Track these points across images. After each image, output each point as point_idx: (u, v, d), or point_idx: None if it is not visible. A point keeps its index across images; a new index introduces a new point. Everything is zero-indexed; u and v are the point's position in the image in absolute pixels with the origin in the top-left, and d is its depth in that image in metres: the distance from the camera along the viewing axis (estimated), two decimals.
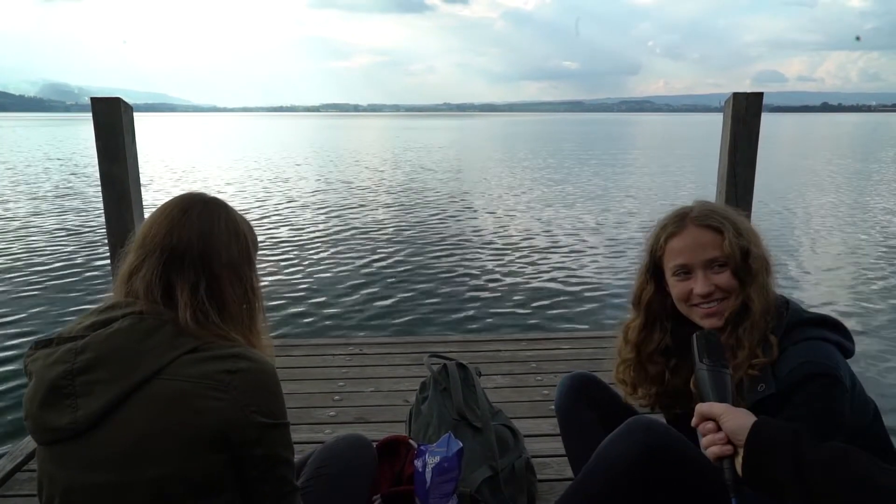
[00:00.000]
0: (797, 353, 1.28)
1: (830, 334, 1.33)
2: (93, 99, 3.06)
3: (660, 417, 1.56)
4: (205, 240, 1.18)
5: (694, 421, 1.14)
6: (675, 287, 1.44)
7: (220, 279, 1.17)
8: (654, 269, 1.50)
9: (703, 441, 1.11)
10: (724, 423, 1.08)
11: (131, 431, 1.06)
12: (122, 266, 1.20)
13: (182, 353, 1.09)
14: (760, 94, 3.20)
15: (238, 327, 1.19)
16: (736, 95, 3.17)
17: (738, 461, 1.06)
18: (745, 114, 3.16)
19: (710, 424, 1.10)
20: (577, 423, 1.70)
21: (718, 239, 1.38)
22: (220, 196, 1.29)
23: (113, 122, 3.01)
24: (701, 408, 1.13)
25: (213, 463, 1.08)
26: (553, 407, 2.64)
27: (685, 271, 1.41)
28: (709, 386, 1.16)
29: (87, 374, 1.08)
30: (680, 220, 1.44)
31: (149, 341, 1.09)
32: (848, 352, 1.33)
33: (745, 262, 1.36)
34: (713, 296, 1.38)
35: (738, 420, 1.07)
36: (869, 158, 26.71)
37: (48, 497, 1.13)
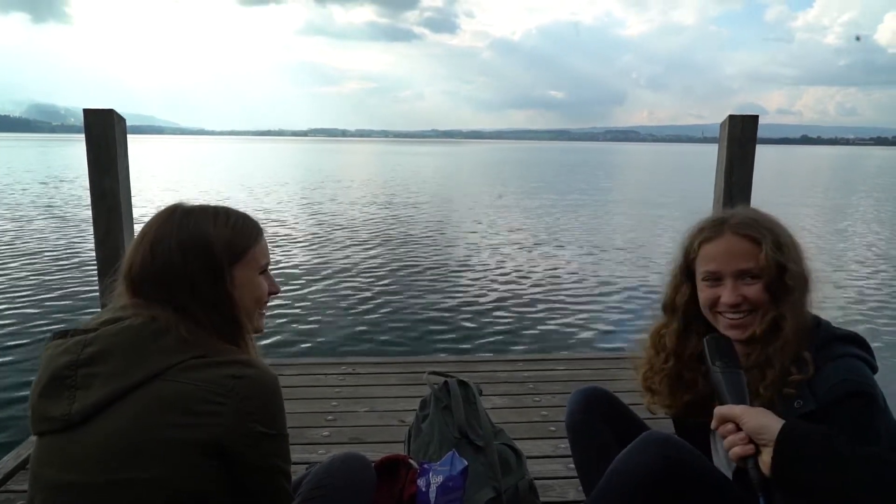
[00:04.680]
0: (836, 371, 1.24)
1: (860, 351, 1.29)
2: (86, 110, 3.01)
3: (670, 429, 1.52)
4: (157, 261, 1.13)
5: (713, 423, 1.15)
6: (703, 292, 1.40)
7: (184, 300, 1.12)
8: (688, 271, 1.46)
9: (725, 442, 1.11)
10: (744, 423, 1.09)
11: (122, 430, 1.02)
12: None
13: (189, 357, 1.06)
14: (755, 118, 3.23)
15: (224, 339, 1.14)
16: (732, 118, 3.19)
17: (763, 460, 1.06)
18: (740, 136, 3.18)
19: (730, 426, 1.12)
20: (589, 439, 1.65)
21: (755, 250, 1.33)
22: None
23: (105, 133, 2.96)
24: (720, 410, 1.14)
25: (205, 471, 1.03)
26: (553, 428, 2.64)
27: (715, 278, 1.37)
28: (724, 388, 1.19)
29: (90, 366, 1.05)
30: (718, 226, 1.39)
31: (157, 342, 1.07)
32: (874, 369, 1.30)
33: (781, 278, 1.32)
34: (740, 307, 1.34)
35: (758, 419, 1.08)
36: (856, 188, 27.38)
37: (31, 495, 1.07)
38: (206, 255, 1.14)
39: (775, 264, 1.31)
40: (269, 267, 1.31)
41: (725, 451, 1.47)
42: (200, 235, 1.15)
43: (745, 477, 1.34)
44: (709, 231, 1.40)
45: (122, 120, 3.04)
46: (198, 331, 1.10)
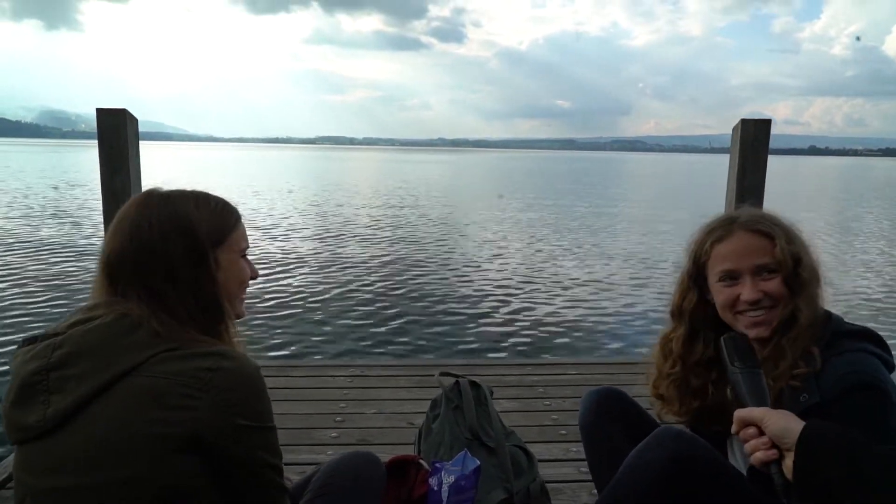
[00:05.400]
0: (842, 364, 1.22)
1: (873, 347, 1.27)
2: (98, 110, 3.01)
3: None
4: (136, 247, 1.10)
5: (734, 428, 1.11)
6: (721, 294, 1.38)
7: (162, 286, 1.09)
8: (697, 276, 1.44)
9: (747, 447, 1.07)
10: (767, 427, 1.05)
11: (99, 430, 0.99)
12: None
13: (161, 350, 1.02)
14: (768, 121, 3.19)
15: (201, 331, 1.11)
16: (744, 122, 3.16)
17: (786, 465, 1.02)
18: (753, 140, 3.15)
19: (751, 430, 1.07)
20: (603, 440, 1.62)
21: (769, 245, 1.33)
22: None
23: (117, 133, 2.96)
24: (740, 413, 1.10)
25: (187, 466, 1.00)
26: (564, 432, 2.61)
27: (732, 277, 1.36)
28: (745, 389, 1.15)
29: (62, 369, 1.02)
30: (728, 225, 1.38)
31: (127, 338, 1.03)
32: (890, 367, 1.28)
33: (796, 271, 1.31)
34: (761, 303, 1.32)
35: (781, 422, 1.04)
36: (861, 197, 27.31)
37: (19, 500, 1.04)
38: (189, 238, 1.11)
39: (791, 257, 1.31)
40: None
41: (744, 456, 1.45)
42: (182, 218, 1.12)
43: (759, 475, 1.32)
44: (720, 231, 1.39)
45: (134, 120, 3.05)
46: (171, 322, 1.06)
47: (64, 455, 0.99)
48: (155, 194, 1.16)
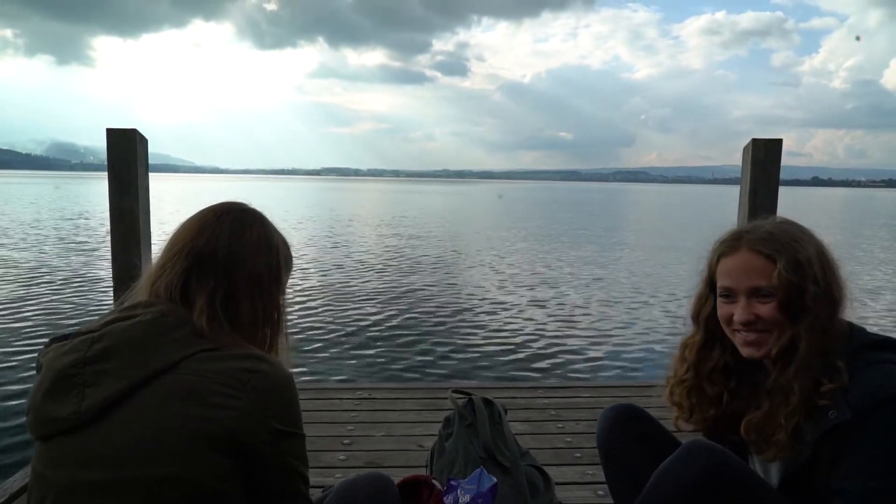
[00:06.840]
0: (871, 377, 1.17)
1: None
2: (108, 130, 3.01)
3: None
4: (232, 247, 1.13)
5: None
6: (720, 308, 1.36)
7: (239, 290, 1.12)
8: (712, 283, 1.41)
9: None
10: None
11: (135, 426, 0.98)
12: (150, 267, 1.17)
13: (200, 349, 1.03)
14: (779, 141, 3.18)
15: (253, 342, 1.13)
16: (755, 141, 3.14)
17: None
18: (764, 159, 3.13)
19: None
20: (621, 457, 1.56)
21: (769, 267, 1.26)
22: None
23: (127, 152, 2.95)
24: None
25: (218, 467, 0.98)
26: (578, 454, 2.53)
27: (730, 294, 1.33)
28: None
29: (100, 363, 1.01)
30: (734, 241, 1.34)
31: (168, 336, 1.03)
32: None
33: (799, 297, 1.24)
34: (754, 325, 1.28)
35: None
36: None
37: (39, 497, 1.01)
38: (276, 258, 1.19)
39: (789, 283, 1.24)
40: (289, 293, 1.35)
41: (764, 468, 1.39)
42: (274, 238, 1.21)
43: (791, 487, 1.25)
44: (726, 245, 1.36)
45: (144, 140, 3.04)
46: (223, 324, 1.07)
47: (96, 450, 0.98)
48: (252, 208, 1.23)
